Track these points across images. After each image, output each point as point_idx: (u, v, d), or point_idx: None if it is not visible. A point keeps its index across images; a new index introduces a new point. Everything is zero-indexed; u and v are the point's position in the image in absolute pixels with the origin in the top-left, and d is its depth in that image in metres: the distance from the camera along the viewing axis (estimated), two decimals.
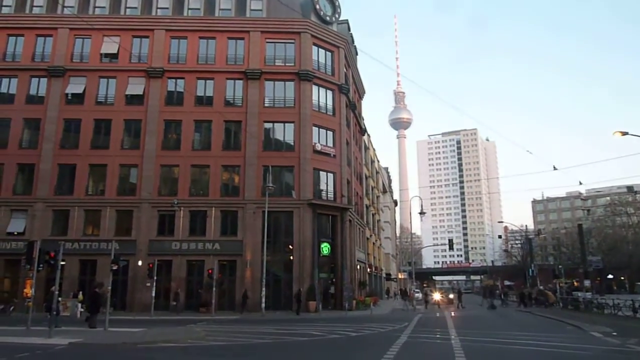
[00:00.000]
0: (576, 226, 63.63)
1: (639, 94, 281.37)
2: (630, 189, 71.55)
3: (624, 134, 22.99)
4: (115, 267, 20.35)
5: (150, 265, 30.08)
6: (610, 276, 73.18)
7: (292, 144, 36.29)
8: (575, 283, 64.34)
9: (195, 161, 35.54)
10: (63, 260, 20.15)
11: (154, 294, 29.71)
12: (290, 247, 34.58)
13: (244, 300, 31.60)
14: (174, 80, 36.27)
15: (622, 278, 76.21)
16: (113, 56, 37.03)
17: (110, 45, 36.31)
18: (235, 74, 36.82)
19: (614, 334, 17.84)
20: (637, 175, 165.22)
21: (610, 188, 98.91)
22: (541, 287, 48.76)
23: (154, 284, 29.77)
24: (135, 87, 36.41)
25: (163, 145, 35.83)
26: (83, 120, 35.90)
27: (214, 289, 30.53)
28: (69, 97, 36.60)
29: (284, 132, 36.64)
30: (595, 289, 56.84)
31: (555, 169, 34.77)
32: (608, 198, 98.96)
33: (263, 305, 29.89)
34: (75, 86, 36.43)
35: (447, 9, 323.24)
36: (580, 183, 75.86)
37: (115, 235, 33.05)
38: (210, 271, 31.12)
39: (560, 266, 61.69)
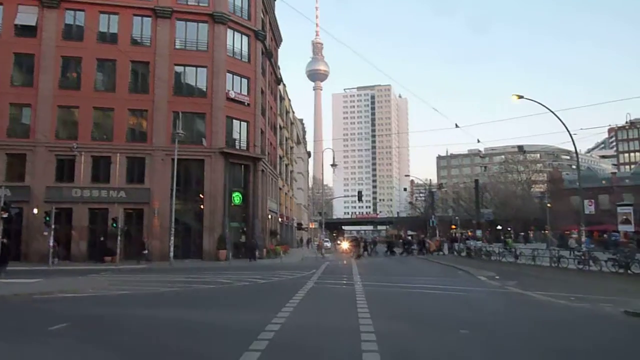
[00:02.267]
0: (474, 181, 68.62)
1: (540, 63, 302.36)
2: (521, 148, 77.77)
3: (520, 97, 24.85)
4: (5, 215, 18.84)
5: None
6: (499, 227, 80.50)
7: (205, 89, 34.95)
8: (470, 233, 70.07)
9: (97, 103, 33.13)
10: None
11: (51, 243, 28.04)
12: (201, 196, 34.00)
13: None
14: (72, 12, 32.95)
15: (509, 229, 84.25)
16: None
17: None
18: (143, 11, 34.16)
19: (497, 277, 19.91)
20: (528, 136, 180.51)
21: (505, 147, 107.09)
22: (408, 237, 52.84)
23: (52, 232, 28.05)
24: (26, 16, 32.61)
25: (60, 84, 32.89)
26: None
27: (119, 238, 29.49)
28: None
29: (196, 77, 35.11)
30: (486, 238, 62.47)
31: (457, 126, 36.89)
32: (503, 156, 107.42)
33: (171, 254, 29.41)
34: None
35: None
36: (479, 141, 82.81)
37: (5, 180, 30.29)
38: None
39: (457, 217, 66.77)
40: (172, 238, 29.81)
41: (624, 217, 36.47)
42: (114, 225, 29.88)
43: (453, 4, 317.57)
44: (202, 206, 33.84)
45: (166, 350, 7.64)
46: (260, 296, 15.18)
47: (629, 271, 20.13)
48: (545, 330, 9.43)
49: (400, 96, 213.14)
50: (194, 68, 35.05)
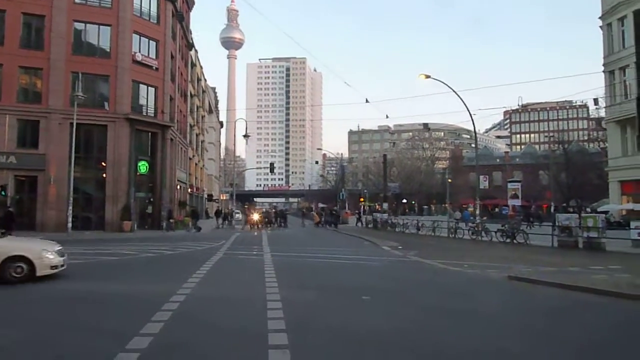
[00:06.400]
0: (383, 156, 71.22)
1: (447, 44, 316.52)
2: (426, 126, 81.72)
3: (427, 76, 26.04)
4: None
5: None
6: (404, 200, 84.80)
7: (108, 50, 32.62)
8: (378, 206, 73.12)
9: None
10: None
11: None
12: (104, 164, 32.10)
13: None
14: None
15: (413, 202, 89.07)
16: None
17: None
18: None
19: (400, 247, 21.05)
20: (434, 114, 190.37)
21: (413, 125, 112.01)
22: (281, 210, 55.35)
23: None
24: None
25: None
26: None
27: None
28: None
29: (99, 36, 32.60)
30: (392, 211, 65.60)
31: (367, 101, 38.12)
32: (410, 133, 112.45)
33: (69, 225, 27.59)
34: None
35: None
36: (387, 117, 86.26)
37: None
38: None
39: (366, 191, 69.22)
40: (71, 208, 27.97)
41: (513, 192, 40.03)
42: (3, 193, 27.37)
43: None
44: (104, 175, 31.99)
45: (61, 324, 7.24)
46: (166, 267, 14.82)
47: (514, 241, 22.37)
48: (438, 293, 10.21)
49: (315, 70, 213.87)
50: (97, 26, 32.48)
